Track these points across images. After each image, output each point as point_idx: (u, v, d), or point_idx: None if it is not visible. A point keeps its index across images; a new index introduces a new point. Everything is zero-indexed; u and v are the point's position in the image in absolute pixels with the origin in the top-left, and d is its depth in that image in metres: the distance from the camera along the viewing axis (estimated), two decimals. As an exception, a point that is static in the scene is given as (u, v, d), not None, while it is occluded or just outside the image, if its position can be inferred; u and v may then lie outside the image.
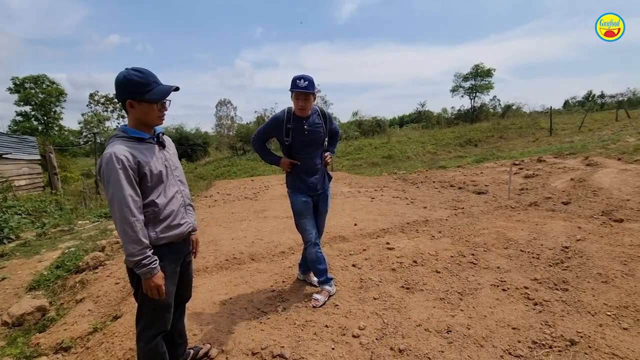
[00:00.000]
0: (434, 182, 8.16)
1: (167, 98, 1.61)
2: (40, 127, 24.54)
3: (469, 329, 2.21)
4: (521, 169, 8.89)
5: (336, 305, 2.60)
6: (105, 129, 23.68)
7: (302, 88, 2.36)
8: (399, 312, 2.46)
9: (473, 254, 3.38)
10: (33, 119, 24.97)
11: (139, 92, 1.52)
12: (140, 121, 1.59)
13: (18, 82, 24.89)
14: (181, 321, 1.97)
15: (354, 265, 3.28)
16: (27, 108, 25.15)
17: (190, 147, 21.81)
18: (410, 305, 2.54)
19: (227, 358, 2.04)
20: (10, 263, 4.75)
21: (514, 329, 2.19)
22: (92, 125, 22.73)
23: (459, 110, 31.52)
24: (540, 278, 2.81)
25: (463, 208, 5.07)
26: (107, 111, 24.08)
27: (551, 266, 3.03)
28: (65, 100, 26.01)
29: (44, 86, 25.01)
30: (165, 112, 1.65)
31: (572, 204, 4.98)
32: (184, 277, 1.83)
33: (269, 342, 2.16)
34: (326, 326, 2.33)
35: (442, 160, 14.65)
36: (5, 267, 4.61)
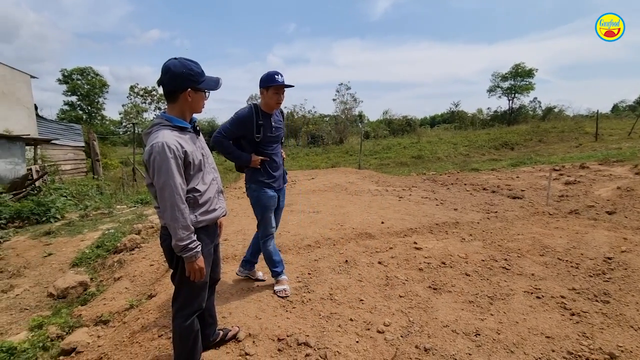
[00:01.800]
0: (465, 184, 7.90)
1: (217, 89, 1.70)
2: (84, 117, 26.27)
3: (499, 333, 2.14)
4: (561, 174, 8.41)
5: (361, 300, 2.60)
6: (143, 120, 24.86)
7: (282, 82, 2.42)
8: (425, 312, 2.42)
9: (506, 259, 3.25)
10: (79, 108, 26.75)
11: (198, 81, 1.59)
12: (189, 110, 1.65)
13: (66, 74, 26.71)
14: (211, 302, 2.05)
15: (380, 263, 3.26)
16: (74, 98, 26.95)
17: (221, 140, 22.43)
18: (437, 306, 2.49)
19: (254, 341, 2.10)
20: (56, 240, 5.14)
21: (547, 337, 2.09)
22: (131, 116, 23.95)
23: (496, 111, 30.22)
24: (578, 288, 2.65)
25: (496, 212, 4.88)
26: (145, 103, 25.25)
27: (591, 277, 2.85)
28: (107, 92, 27.63)
29: (89, 78, 26.67)
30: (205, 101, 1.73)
31: (618, 213, 4.65)
32: (214, 260, 1.90)
33: (295, 330, 2.20)
34: (351, 319, 2.34)
35: (475, 163, 14.13)
36: (52, 244, 4.99)
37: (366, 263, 3.27)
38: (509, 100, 29.23)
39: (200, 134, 1.81)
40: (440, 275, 2.96)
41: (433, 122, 43.50)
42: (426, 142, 20.57)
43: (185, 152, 1.55)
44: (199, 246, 1.59)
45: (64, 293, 3.59)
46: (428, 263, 3.21)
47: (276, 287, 2.72)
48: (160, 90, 1.69)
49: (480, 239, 3.85)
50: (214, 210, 1.75)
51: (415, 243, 3.72)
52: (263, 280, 2.94)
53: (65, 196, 7.14)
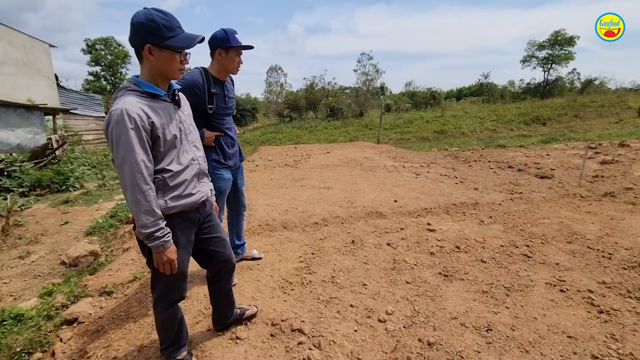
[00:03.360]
0: (489, 161, 7.45)
1: (191, 48, 1.40)
2: (108, 87, 26.69)
3: (513, 330, 1.94)
4: (597, 153, 7.76)
5: (364, 284, 2.44)
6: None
7: (244, 44, 2.09)
8: (433, 301, 2.24)
9: (528, 246, 2.98)
10: (102, 79, 27.15)
11: (162, 36, 1.30)
12: (158, 73, 1.37)
13: (90, 44, 26.92)
14: (229, 287, 1.88)
15: (388, 244, 3.07)
16: (98, 68, 27.32)
17: (239, 112, 22.31)
18: (446, 295, 2.30)
19: (246, 324, 2.01)
20: (74, 209, 5.27)
21: (569, 337, 1.87)
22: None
23: (529, 83, 28.13)
24: (610, 282, 2.38)
25: (521, 193, 4.52)
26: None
27: (626, 269, 2.55)
28: (130, 62, 27.79)
29: (112, 48, 26.82)
30: (185, 65, 1.44)
31: (661, 198, 4.18)
32: (217, 242, 1.72)
33: (290, 315, 2.09)
34: (351, 305, 2.20)
35: (502, 139, 13.36)
36: (69, 213, 5.12)
37: (374, 244, 3.09)
38: (545, 71, 27.04)
39: (183, 104, 1.55)
40: (453, 261, 2.75)
41: (460, 94, 41.38)
42: (450, 116, 19.65)
43: (152, 124, 1.31)
44: (168, 235, 1.39)
45: (75, 261, 3.66)
46: (441, 247, 2.99)
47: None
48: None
49: (501, 222, 3.57)
50: (190, 195, 1.50)
51: (428, 224, 3.49)
52: (260, 258, 2.83)
53: (85, 165, 7.30)
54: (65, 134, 8.61)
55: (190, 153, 1.52)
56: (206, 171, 1.67)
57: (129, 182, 1.29)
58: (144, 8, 1.33)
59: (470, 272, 2.57)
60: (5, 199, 5.00)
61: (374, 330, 1.96)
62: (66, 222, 4.76)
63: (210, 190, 1.75)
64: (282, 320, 2.03)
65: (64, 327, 2.47)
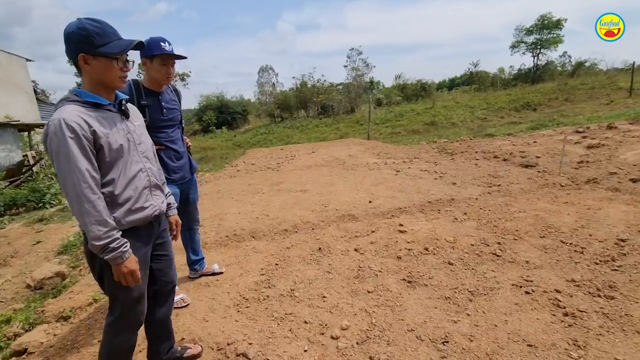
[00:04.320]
0: (476, 152, 7.33)
1: (124, 53, 1.35)
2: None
3: (471, 340, 1.82)
4: (584, 137, 7.63)
5: (324, 296, 2.33)
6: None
7: (171, 51, 1.99)
8: (392, 311, 2.12)
9: (499, 243, 2.87)
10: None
11: (94, 43, 1.27)
12: (98, 82, 1.33)
13: (76, 55, 26.59)
14: (166, 314, 1.73)
15: (356, 250, 2.96)
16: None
17: (230, 115, 22.15)
18: (407, 304, 2.18)
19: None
20: (48, 227, 5.14)
21: (530, 346, 1.76)
22: (140, 94, 23.95)
23: (520, 69, 27.95)
24: (579, 279, 2.26)
25: (499, 185, 4.40)
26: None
27: (597, 264, 2.44)
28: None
29: (98, 58, 26.53)
30: (127, 73, 1.39)
31: (643, 182, 4.07)
32: (162, 261, 1.62)
33: (238, 337, 1.98)
34: (305, 322, 2.08)
35: (492, 127, 13.24)
36: (43, 231, 5.00)
37: (341, 250, 2.97)
38: (534, 56, 26.83)
39: (132, 114, 1.49)
40: (420, 265, 2.64)
41: (452, 84, 41.21)
42: (441, 106, 19.50)
43: (94, 132, 1.25)
44: (126, 245, 1.31)
45: (40, 284, 3.54)
46: (409, 249, 2.88)
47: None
48: None
49: (475, 218, 3.45)
50: (142, 209, 1.42)
51: (400, 225, 3.37)
52: (221, 273, 2.72)
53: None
54: (41, 150, 8.47)
55: (139, 164, 1.44)
56: (159, 184, 1.57)
57: (74, 194, 1.22)
58: (77, 19, 1.31)
59: (435, 277, 2.45)
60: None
61: (325, 349, 1.85)
62: (38, 242, 4.63)
63: (169, 204, 1.67)
64: (229, 344, 1.92)
65: (13, 358, 2.35)
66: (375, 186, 4.78)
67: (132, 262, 1.33)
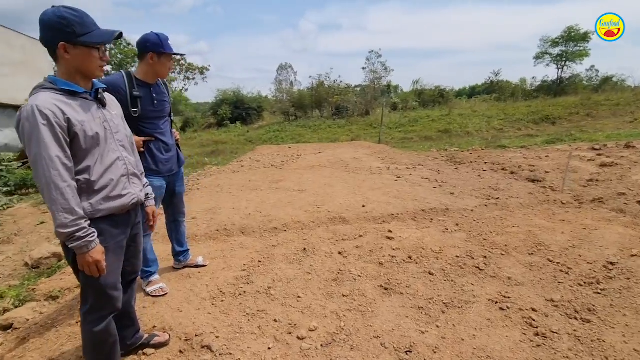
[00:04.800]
0: (485, 163, 7.21)
1: (109, 43, 1.39)
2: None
3: (434, 352, 1.81)
4: (599, 155, 7.40)
5: (298, 297, 2.35)
6: (173, 90, 25.35)
7: (176, 52, 2.16)
8: (363, 316, 2.12)
9: (485, 257, 2.82)
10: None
11: (75, 32, 1.28)
12: (76, 70, 1.35)
13: (102, 44, 27.43)
14: (128, 301, 1.76)
15: (340, 253, 2.96)
16: (109, 68, 27.90)
17: (245, 110, 22.39)
18: (379, 310, 2.18)
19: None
20: (54, 209, 5.34)
21: (493, 363, 1.73)
22: (160, 86, 24.52)
23: (544, 81, 27.19)
24: (558, 300, 2.21)
25: (498, 198, 4.32)
26: (174, 72, 25.60)
27: (581, 285, 2.37)
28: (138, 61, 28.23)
29: (122, 47, 27.34)
30: (105, 62, 1.41)
31: (650, 205, 3.92)
32: (129, 251, 1.64)
33: (208, 329, 2.02)
34: (275, 320, 2.10)
35: (507, 139, 12.95)
36: (48, 212, 5.20)
37: (325, 252, 2.98)
38: (558, 68, 26.10)
39: (110, 104, 1.51)
40: (400, 273, 2.62)
41: (473, 92, 40.49)
42: (458, 114, 19.22)
43: (68, 120, 1.27)
44: (92, 235, 1.32)
45: (37, 263, 3.68)
46: (393, 257, 2.86)
47: (148, 289, 2.39)
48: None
49: (466, 230, 3.40)
50: (119, 196, 1.44)
51: (389, 232, 3.35)
52: (204, 266, 2.77)
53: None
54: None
55: (116, 152, 1.46)
56: (137, 172, 1.60)
57: (44, 180, 1.23)
58: (53, 6, 1.31)
59: (412, 285, 2.44)
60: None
61: (288, 349, 1.87)
62: (42, 222, 4.82)
63: (147, 195, 1.70)
64: (196, 335, 1.96)
65: (-1, 332, 2.46)
66: (372, 191, 4.77)
67: (97, 253, 1.34)
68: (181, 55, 2.16)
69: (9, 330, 2.46)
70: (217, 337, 1.95)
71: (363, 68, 24.57)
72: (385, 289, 2.42)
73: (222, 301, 2.32)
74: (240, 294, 2.39)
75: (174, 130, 2.45)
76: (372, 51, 23.95)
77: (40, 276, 3.40)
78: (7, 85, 8.44)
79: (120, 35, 1.43)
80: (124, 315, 1.76)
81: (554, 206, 4.02)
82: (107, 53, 1.44)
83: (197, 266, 2.78)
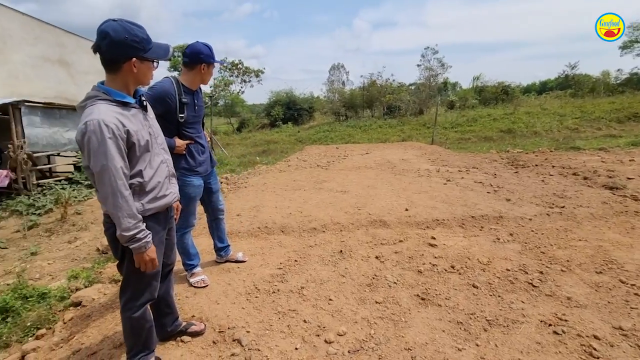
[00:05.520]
0: (553, 166, 6.49)
1: (168, 58, 1.50)
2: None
3: (471, 373, 1.66)
4: (701, 159, 6.24)
5: (330, 299, 2.33)
6: (230, 93, 26.88)
7: (219, 61, 2.25)
8: (395, 326, 2.03)
9: (541, 272, 2.52)
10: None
11: (145, 49, 1.40)
12: (133, 82, 1.46)
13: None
14: (167, 290, 1.88)
15: (377, 257, 2.88)
16: (175, 73, 30.51)
17: (297, 111, 22.91)
18: (413, 321, 2.07)
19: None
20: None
21: (540, 393, 1.54)
22: (220, 89, 26.12)
23: (633, 74, 23.59)
24: (629, 329, 1.89)
25: (563, 207, 3.84)
26: (232, 76, 27.10)
27: (662, 315, 2.00)
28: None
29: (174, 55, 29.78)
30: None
31: None
32: (166, 244, 1.75)
33: (240, 323, 2.09)
34: (305, 321, 2.11)
35: (582, 140, 11.52)
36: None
37: (362, 256, 2.92)
38: (654, 58, 22.38)
39: (149, 109, 1.62)
40: (440, 283, 2.46)
41: (543, 88, 36.76)
42: (524, 112, 17.61)
43: (127, 132, 1.37)
44: (149, 236, 1.44)
45: (106, 249, 4.15)
46: (433, 265, 2.70)
47: (192, 280, 2.54)
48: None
49: (521, 240, 3.08)
50: (164, 196, 1.58)
51: (432, 238, 3.17)
52: (244, 261, 2.87)
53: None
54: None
55: (160, 156, 1.60)
56: (174, 173, 1.74)
57: (111, 189, 1.33)
58: (114, 20, 1.37)
59: (452, 298, 2.27)
60: (64, 189, 5.87)
61: (315, 351, 1.86)
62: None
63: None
64: (229, 328, 2.04)
65: (70, 308, 2.81)
66: (417, 194, 4.55)
67: (153, 251, 1.47)
68: (221, 62, 2.33)
69: (79, 307, 2.80)
70: (248, 331, 2.01)
71: (418, 65, 23.66)
72: (422, 298, 2.29)
73: (256, 297, 2.39)
74: (274, 292, 2.44)
75: (205, 133, 2.56)
76: (428, 47, 22.94)
77: (108, 261, 3.83)
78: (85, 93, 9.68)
79: (171, 50, 1.56)
80: (164, 303, 1.90)
81: (633, 218, 3.46)
82: (155, 64, 1.52)
83: (237, 261, 2.89)
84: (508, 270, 2.58)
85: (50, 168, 7.29)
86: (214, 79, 27.22)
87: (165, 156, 1.64)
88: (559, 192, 4.41)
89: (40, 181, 6.50)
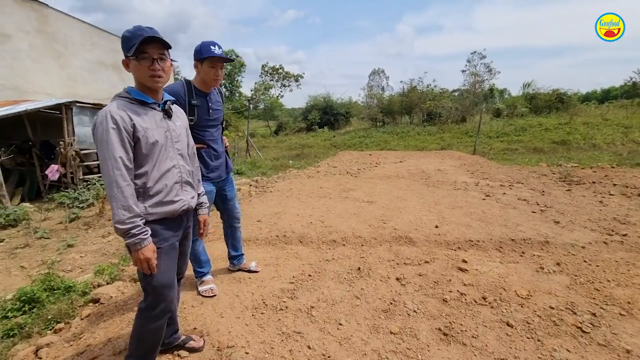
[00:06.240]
0: (614, 185, 5.75)
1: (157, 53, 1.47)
2: (227, 93, 30.91)
3: None
4: None
5: (340, 324, 2.12)
6: (270, 97, 27.52)
7: (220, 54, 2.05)
8: (409, 364, 1.78)
9: (594, 315, 2.13)
10: (222, 86, 31.69)
11: (127, 47, 1.42)
12: (138, 82, 1.46)
13: (216, 57, 31.63)
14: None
15: (397, 279, 2.62)
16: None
17: (333, 116, 22.85)
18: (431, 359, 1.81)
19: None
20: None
21: None
22: (260, 93, 26.84)
23: None
24: None
25: (625, 235, 3.30)
26: (272, 80, 27.74)
27: None
28: (244, 71, 31.60)
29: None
30: (154, 72, 1.47)
31: None
32: (179, 254, 1.69)
33: (241, 342, 1.96)
34: (309, 347, 1.93)
35: (651, 155, 10.18)
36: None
37: (381, 276, 2.68)
38: None
39: (176, 115, 1.60)
40: (467, 316, 2.16)
41: (606, 97, 33.56)
42: (581, 123, 16.13)
43: (133, 125, 1.38)
44: (146, 233, 1.40)
45: (134, 246, 4.27)
46: (462, 294, 2.39)
47: (200, 288, 2.49)
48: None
49: (570, 272, 2.66)
50: (171, 202, 1.51)
51: (464, 261, 2.85)
52: (256, 272, 2.76)
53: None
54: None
55: (173, 160, 1.54)
56: (191, 181, 1.66)
57: (108, 179, 1.34)
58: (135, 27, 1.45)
59: (481, 336, 1.97)
60: (103, 184, 6.18)
61: (315, 384, 1.67)
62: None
63: (201, 203, 1.77)
64: (228, 347, 1.92)
65: (89, 304, 2.87)
66: (451, 209, 4.19)
67: (148, 251, 1.40)
68: (224, 59, 2.11)
69: (96, 304, 2.85)
70: (247, 352, 1.87)
71: (462, 71, 22.66)
72: (445, 334, 2.01)
73: (262, 313, 2.25)
74: (282, 309, 2.29)
75: (224, 138, 2.48)
76: (475, 52, 21.87)
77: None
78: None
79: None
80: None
81: None
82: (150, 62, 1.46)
83: (249, 271, 2.79)
84: (552, 308, 2.21)
85: (97, 165, 7.81)
86: (255, 83, 28.10)
87: (181, 162, 1.58)
88: (621, 217, 3.82)
89: (86, 176, 6.95)
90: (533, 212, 4.07)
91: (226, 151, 2.51)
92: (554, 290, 2.41)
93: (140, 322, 1.57)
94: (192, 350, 1.90)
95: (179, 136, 1.59)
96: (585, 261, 2.83)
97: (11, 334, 2.50)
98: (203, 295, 2.45)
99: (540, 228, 3.51)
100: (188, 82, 2.19)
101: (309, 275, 2.73)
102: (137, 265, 1.42)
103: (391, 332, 2.04)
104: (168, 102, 1.55)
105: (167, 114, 1.54)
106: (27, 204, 6.19)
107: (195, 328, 2.10)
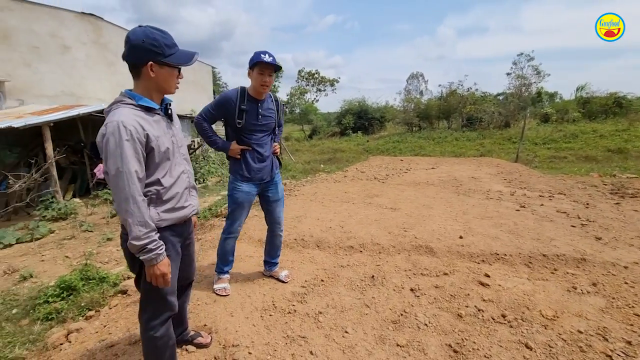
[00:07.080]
0: (676, 199, 5.14)
1: (190, 64, 1.46)
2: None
3: None
4: None
5: (346, 331, 2.10)
6: (306, 101, 27.90)
7: (268, 62, 2.12)
8: (412, 380, 1.72)
9: (629, 343, 1.91)
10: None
11: (163, 53, 1.36)
12: (155, 88, 1.43)
13: (255, 63, 32.73)
14: (182, 304, 1.85)
15: (412, 290, 2.54)
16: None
17: (367, 120, 22.65)
18: (436, 378, 1.72)
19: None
20: (190, 199, 6.52)
21: None
22: (295, 97, 27.29)
23: None
24: None
25: (680, 256, 2.92)
26: (308, 85, 28.13)
27: None
28: (281, 76, 32.31)
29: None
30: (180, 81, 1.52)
31: None
32: (185, 260, 1.69)
33: (246, 342, 2.00)
34: (311, 353, 1.92)
35: None
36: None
37: (395, 285, 2.61)
38: None
39: (175, 119, 1.61)
40: (482, 334, 2.03)
41: (675, 100, 29.99)
42: (643, 130, 14.56)
43: (147, 136, 1.34)
44: (162, 247, 1.38)
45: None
46: (479, 310, 2.26)
47: (215, 286, 2.57)
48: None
49: (607, 294, 2.41)
50: (182, 208, 1.52)
51: (486, 275, 2.69)
52: (283, 282, 2.70)
53: (215, 164, 8.92)
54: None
55: (182, 166, 1.56)
56: (195, 185, 1.71)
57: (123, 193, 1.29)
58: (140, 26, 1.39)
59: (494, 357, 1.84)
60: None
61: (312, 391, 1.66)
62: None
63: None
64: (233, 345, 1.97)
65: (118, 295, 3.08)
66: (479, 219, 3.97)
67: (164, 265, 1.38)
68: (277, 66, 2.19)
69: (124, 295, 3.05)
70: (250, 353, 1.91)
71: (507, 74, 21.47)
72: (455, 350, 1.91)
73: (271, 315, 2.28)
74: (290, 312, 2.30)
75: (274, 144, 2.52)
76: (522, 54, 20.65)
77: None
78: (179, 100, 11.11)
79: (197, 55, 1.48)
80: (178, 316, 1.84)
81: None
82: (178, 70, 1.48)
83: (278, 280, 2.74)
84: (580, 332, 2.02)
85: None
86: (291, 87, 28.60)
87: (187, 167, 1.60)
88: (677, 236, 3.40)
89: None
90: (572, 226, 3.74)
91: (277, 157, 2.56)
92: (585, 313, 2.20)
93: (149, 334, 1.52)
94: (200, 346, 1.97)
95: (181, 140, 1.58)
96: (626, 282, 2.55)
97: (49, 317, 2.76)
98: (216, 293, 2.53)
99: (578, 244, 3.21)
100: (243, 89, 2.31)
101: (322, 280, 2.72)
102: (152, 280, 1.39)
103: (398, 345, 1.97)
104: (168, 105, 1.52)
105: (170, 118, 1.52)
106: (77, 200, 6.79)
107: (205, 325, 2.17)
